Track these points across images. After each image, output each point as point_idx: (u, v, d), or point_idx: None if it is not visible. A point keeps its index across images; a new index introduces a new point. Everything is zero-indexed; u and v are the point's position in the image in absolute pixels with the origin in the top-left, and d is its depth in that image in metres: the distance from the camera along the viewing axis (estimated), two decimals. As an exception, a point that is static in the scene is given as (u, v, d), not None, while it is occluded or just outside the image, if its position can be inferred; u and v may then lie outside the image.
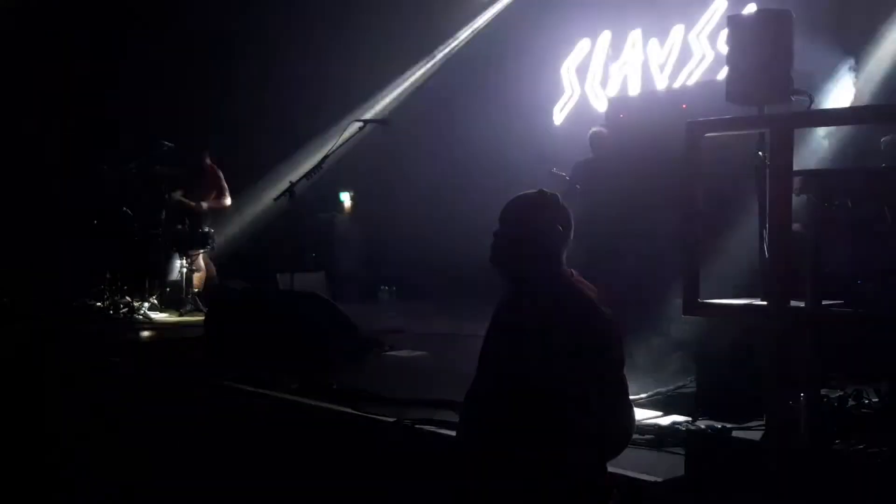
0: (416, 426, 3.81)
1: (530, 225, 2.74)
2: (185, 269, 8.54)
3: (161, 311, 8.31)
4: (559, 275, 2.74)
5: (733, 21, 4.38)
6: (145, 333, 7.34)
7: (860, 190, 2.79)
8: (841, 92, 7.09)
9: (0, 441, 5.12)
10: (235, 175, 9.31)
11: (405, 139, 10.21)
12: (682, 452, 3.09)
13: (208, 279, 8.74)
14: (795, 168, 2.76)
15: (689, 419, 3.76)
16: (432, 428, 3.75)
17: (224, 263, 9.32)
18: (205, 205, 8.80)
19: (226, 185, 8.99)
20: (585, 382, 2.55)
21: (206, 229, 8.65)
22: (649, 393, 4.43)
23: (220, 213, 9.12)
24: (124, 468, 4.66)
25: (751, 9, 7.67)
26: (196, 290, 8.55)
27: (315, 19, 10.72)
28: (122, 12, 10.44)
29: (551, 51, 9.93)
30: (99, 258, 8.62)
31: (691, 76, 8.82)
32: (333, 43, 11.01)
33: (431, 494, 3.38)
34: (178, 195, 8.77)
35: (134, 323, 7.82)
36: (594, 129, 7.59)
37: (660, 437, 3.52)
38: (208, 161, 8.98)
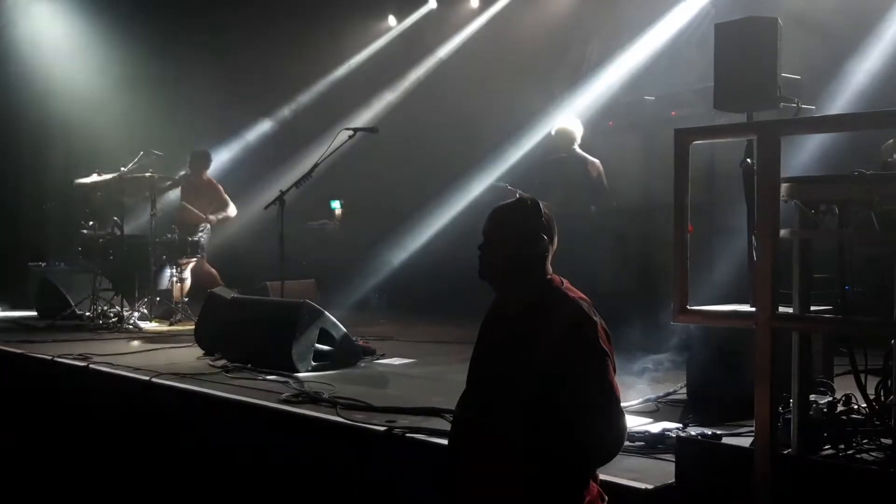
0: (407, 435, 3.80)
1: (513, 237, 2.72)
2: (175, 278, 8.50)
3: (151, 321, 8.26)
4: (548, 283, 2.74)
5: (720, 28, 4.39)
6: (135, 343, 7.29)
7: (848, 196, 2.78)
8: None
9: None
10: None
11: (396, 146, 10.21)
12: (673, 459, 3.09)
13: (212, 285, 8.64)
14: (784, 175, 2.76)
15: (680, 426, 3.76)
16: (423, 436, 3.74)
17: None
18: (213, 218, 8.91)
19: (227, 198, 9.17)
20: (575, 389, 2.54)
21: (197, 237, 8.62)
22: (640, 399, 4.44)
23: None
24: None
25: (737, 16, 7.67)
26: (186, 299, 8.52)
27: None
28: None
29: (541, 55, 9.94)
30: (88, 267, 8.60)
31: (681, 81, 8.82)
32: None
33: (422, 502, 3.38)
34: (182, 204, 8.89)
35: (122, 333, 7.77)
36: (559, 126, 7.58)
37: (650, 444, 3.52)
38: (206, 176, 9.16)
